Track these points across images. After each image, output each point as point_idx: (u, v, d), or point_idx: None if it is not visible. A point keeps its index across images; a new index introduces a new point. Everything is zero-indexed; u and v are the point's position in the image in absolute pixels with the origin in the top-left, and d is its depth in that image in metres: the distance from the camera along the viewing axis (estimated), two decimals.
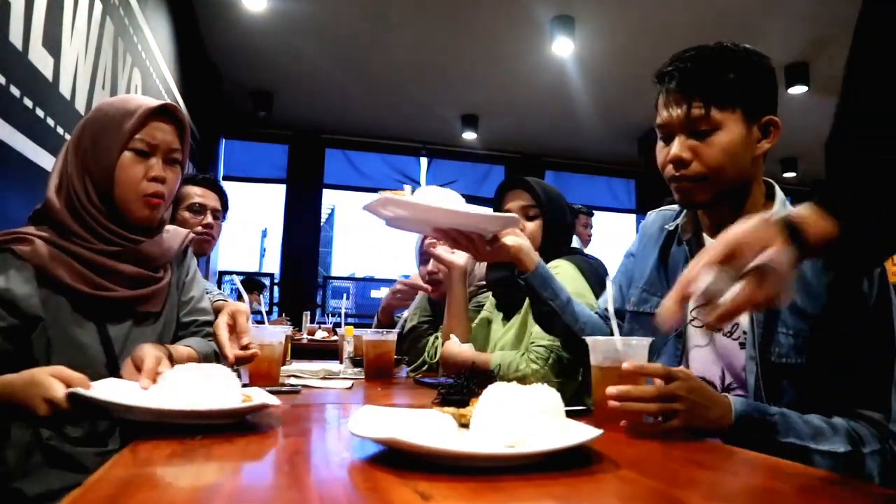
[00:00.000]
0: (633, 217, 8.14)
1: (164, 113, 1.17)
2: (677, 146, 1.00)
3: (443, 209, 1.08)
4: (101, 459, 1.05)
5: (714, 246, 0.67)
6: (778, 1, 4.15)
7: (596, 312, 1.30)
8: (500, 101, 6.01)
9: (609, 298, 1.02)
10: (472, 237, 1.16)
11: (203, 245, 2.06)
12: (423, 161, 7.46)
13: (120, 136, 1.12)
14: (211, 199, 2.07)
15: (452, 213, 1.10)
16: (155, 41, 3.37)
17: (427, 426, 0.69)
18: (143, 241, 1.17)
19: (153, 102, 1.16)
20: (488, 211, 1.09)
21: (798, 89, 5.04)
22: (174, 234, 1.29)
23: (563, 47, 4.52)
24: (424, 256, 2.03)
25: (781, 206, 1.03)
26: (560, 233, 1.61)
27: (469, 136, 6.61)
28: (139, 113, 1.13)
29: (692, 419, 0.82)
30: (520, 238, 1.20)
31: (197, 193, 2.04)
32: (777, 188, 1.07)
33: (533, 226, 1.60)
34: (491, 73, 5.41)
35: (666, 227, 1.18)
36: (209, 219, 2.04)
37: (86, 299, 1.10)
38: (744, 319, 1.00)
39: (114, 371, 1.09)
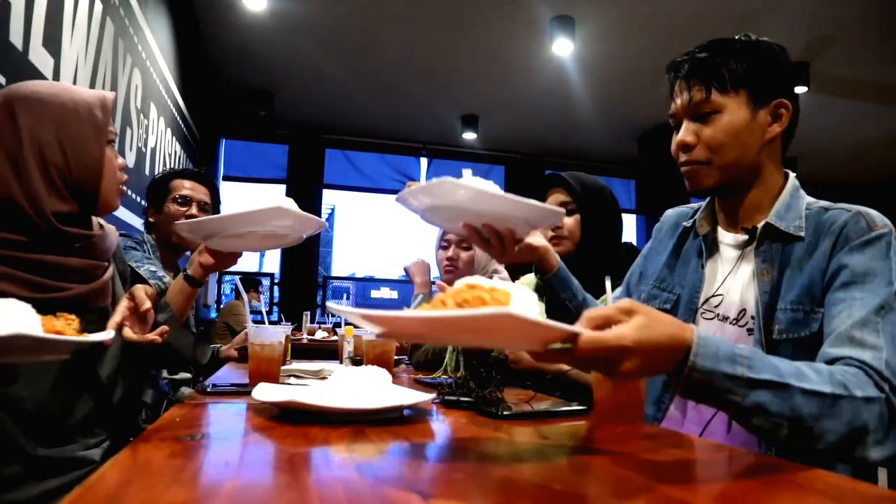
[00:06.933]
0: (633, 217, 8.13)
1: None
2: (682, 131, 1.03)
3: (492, 193, 0.96)
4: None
5: None
6: (778, 1, 4.15)
7: None
8: (500, 101, 6.01)
9: (609, 296, 1.03)
10: (503, 234, 1.05)
11: None
12: (423, 161, 7.46)
13: (97, 128, 1.08)
14: (199, 193, 2.07)
15: (500, 199, 0.97)
16: (155, 41, 3.37)
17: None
18: (95, 235, 1.12)
19: (108, 93, 1.13)
20: (533, 201, 0.98)
21: (798, 89, 5.02)
22: (110, 229, 1.23)
23: (563, 47, 4.52)
24: (444, 243, 2.01)
25: (790, 195, 1.03)
26: (601, 227, 1.59)
27: (469, 136, 6.61)
28: (106, 104, 1.10)
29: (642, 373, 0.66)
30: (544, 239, 1.20)
31: (185, 186, 2.04)
32: (792, 176, 1.06)
33: (571, 221, 1.59)
34: (491, 73, 5.40)
35: (683, 223, 1.19)
36: (194, 210, 2.02)
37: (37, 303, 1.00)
38: (751, 305, 1.00)
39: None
